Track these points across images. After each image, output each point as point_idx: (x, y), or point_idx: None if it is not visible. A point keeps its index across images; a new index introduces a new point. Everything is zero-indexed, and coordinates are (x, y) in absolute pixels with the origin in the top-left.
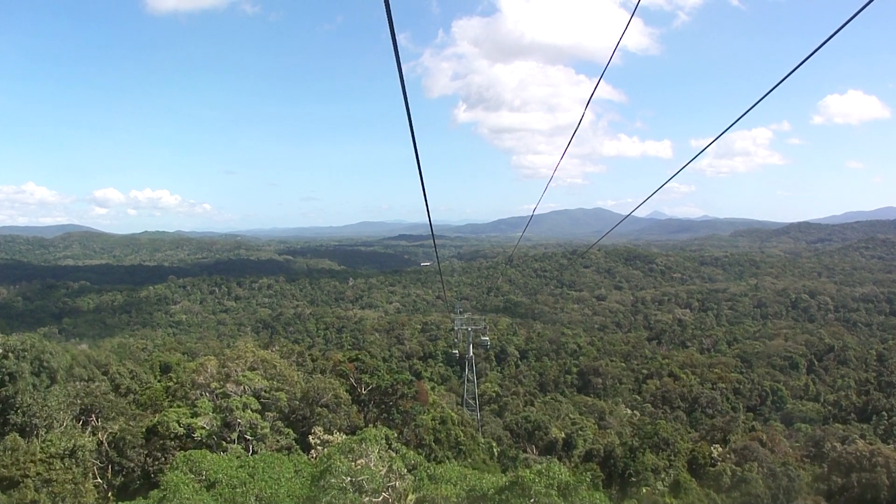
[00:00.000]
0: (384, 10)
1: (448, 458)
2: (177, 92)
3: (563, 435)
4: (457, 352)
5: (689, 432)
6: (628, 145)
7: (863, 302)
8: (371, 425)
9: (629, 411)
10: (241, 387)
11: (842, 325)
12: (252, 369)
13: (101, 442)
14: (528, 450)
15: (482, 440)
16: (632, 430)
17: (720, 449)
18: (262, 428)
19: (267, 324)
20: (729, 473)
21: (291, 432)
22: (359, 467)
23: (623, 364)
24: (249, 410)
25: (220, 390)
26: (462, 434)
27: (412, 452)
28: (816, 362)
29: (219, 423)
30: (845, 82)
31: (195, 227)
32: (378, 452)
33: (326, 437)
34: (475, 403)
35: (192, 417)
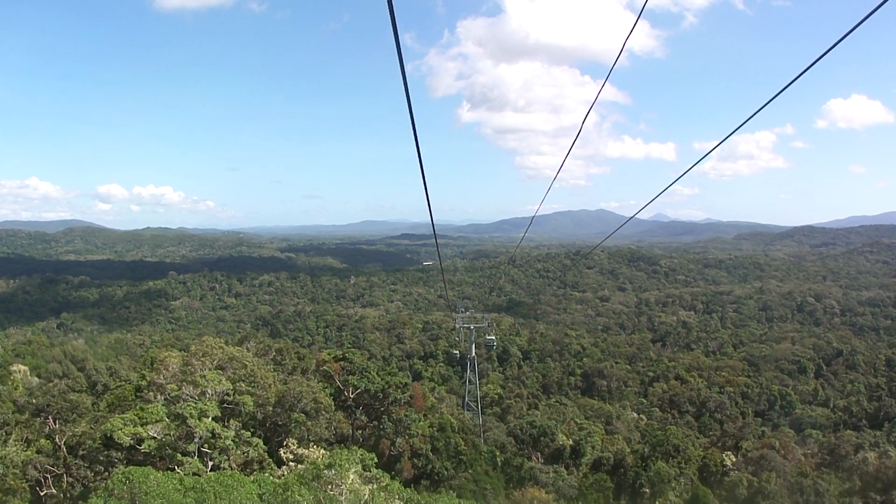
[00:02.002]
0: (388, 11)
1: (447, 468)
2: (181, 89)
3: (570, 442)
4: (458, 352)
5: (698, 438)
6: (632, 147)
7: (869, 306)
8: (359, 432)
9: (636, 415)
10: (200, 389)
11: (849, 329)
12: (220, 368)
13: (59, 446)
14: (534, 457)
15: (484, 448)
16: (641, 436)
17: (733, 457)
18: (225, 438)
19: (267, 321)
20: (745, 484)
21: (260, 443)
22: (329, 497)
23: (628, 366)
24: (207, 418)
25: (176, 393)
26: (462, 442)
27: (397, 484)
28: (825, 367)
29: (174, 433)
30: (849, 87)
31: (198, 224)
32: (351, 482)
33: (301, 450)
34: (477, 407)
35: (141, 425)
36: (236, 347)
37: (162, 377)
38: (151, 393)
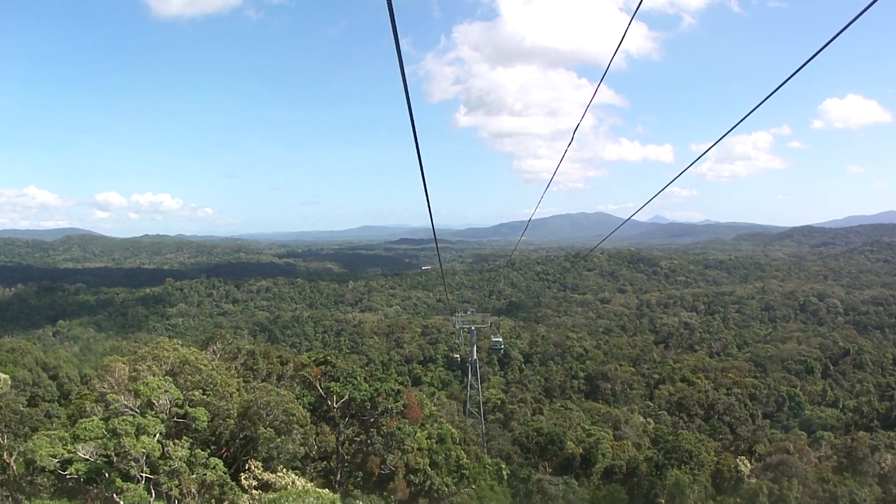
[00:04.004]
0: (388, 14)
1: (447, 485)
2: (179, 96)
3: (580, 450)
4: (458, 356)
5: (709, 442)
6: (629, 150)
7: (872, 305)
8: (345, 447)
9: (643, 419)
10: (143, 400)
11: (853, 328)
12: (171, 374)
13: (8, 465)
14: (541, 467)
15: (489, 461)
16: (651, 441)
17: (747, 462)
18: (176, 460)
19: (264, 327)
20: (765, 492)
21: (220, 465)
22: None
23: (632, 368)
24: (149, 435)
25: (115, 405)
26: (464, 455)
27: None
28: (832, 366)
29: (112, 453)
30: (844, 86)
31: (197, 231)
32: None
33: (267, 475)
34: (480, 414)
35: (73, 444)
36: (192, 349)
37: (106, 385)
38: (90, 405)
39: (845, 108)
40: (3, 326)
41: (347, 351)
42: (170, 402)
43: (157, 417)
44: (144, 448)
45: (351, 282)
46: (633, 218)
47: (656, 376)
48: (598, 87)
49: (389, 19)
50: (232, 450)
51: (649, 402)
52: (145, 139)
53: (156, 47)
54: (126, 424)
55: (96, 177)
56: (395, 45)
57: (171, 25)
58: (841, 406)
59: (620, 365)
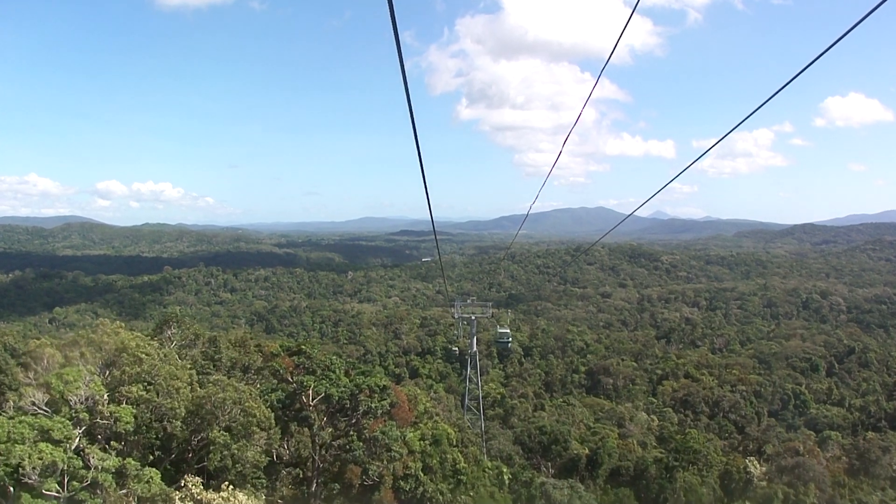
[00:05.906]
0: (389, 10)
1: (442, 492)
2: (182, 85)
3: (585, 450)
4: (457, 349)
5: (716, 441)
6: (631, 145)
7: (875, 303)
8: (322, 453)
9: (646, 416)
10: (55, 395)
11: (857, 326)
12: (110, 365)
13: None
14: (544, 469)
15: (489, 464)
16: (657, 440)
17: (757, 463)
18: (99, 471)
19: (262, 316)
20: (780, 497)
21: (157, 477)
22: None
23: (634, 363)
24: (50, 442)
25: (21, 401)
26: (462, 458)
27: None
28: (836, 364)
29: (21, 462)
30: (846, 85)
31: (197, 221)
32: None
33: (210, 495)
34: (480, 412)
35: None
36: (136, 334)
37: (31, 375)
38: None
39: (847, 107)
40: (0, 313)
41: (345, 341)
42: (92, 398)
43: (75, 417)
44: (42, 458)
45: (350, 272)
46: (634, 213)
47: (659, 372)
48: (598, 80)
49: (389, 14)
50: (187, 457)
51: (653, 399)
52: (147, 128)
53: (159, 36)
54: (24, 427)
55: (98, 165)
56: (394, 40)
57: (175, 15)
58: (847, 405)
59: (622, 360)
